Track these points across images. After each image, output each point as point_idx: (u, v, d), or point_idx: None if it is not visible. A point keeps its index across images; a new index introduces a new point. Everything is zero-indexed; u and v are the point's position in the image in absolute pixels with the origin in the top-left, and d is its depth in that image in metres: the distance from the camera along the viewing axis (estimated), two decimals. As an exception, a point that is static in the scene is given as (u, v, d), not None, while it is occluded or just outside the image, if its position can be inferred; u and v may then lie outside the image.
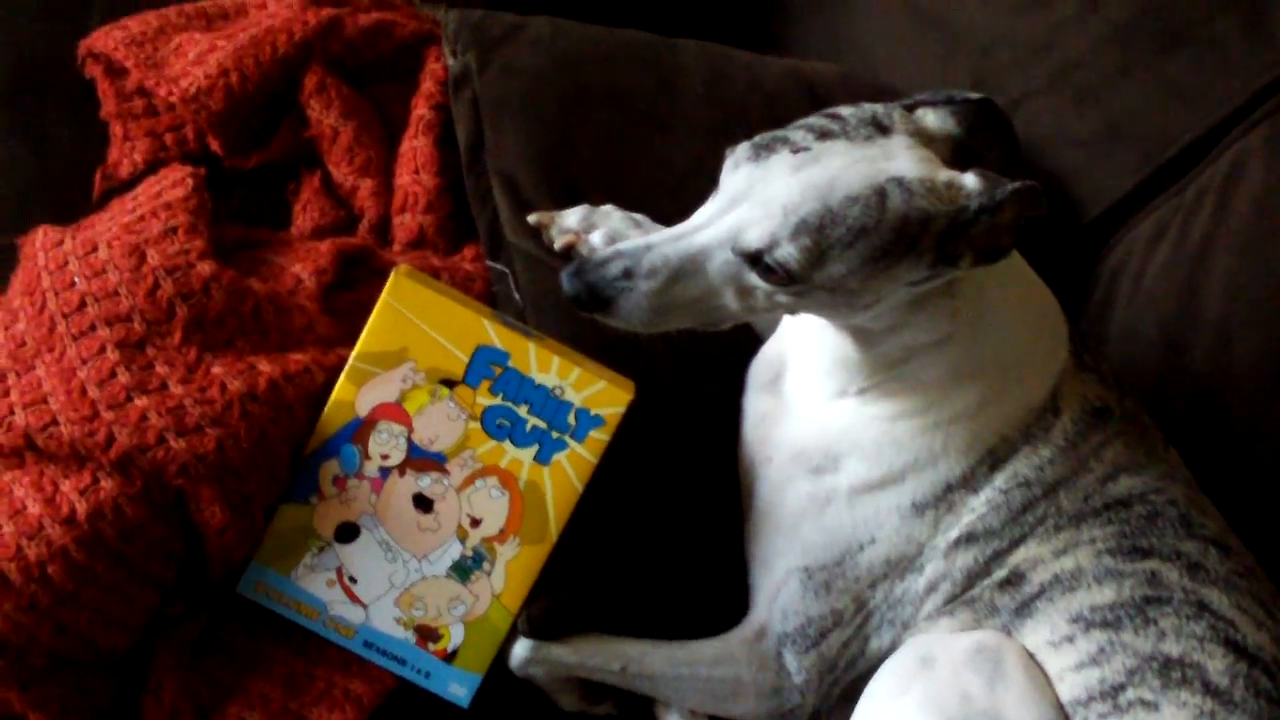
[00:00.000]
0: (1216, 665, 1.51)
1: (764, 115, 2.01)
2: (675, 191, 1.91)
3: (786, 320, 1.79)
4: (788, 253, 1.44)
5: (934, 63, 2.27)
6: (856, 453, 1.64)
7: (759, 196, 1.47)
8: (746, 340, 1.85)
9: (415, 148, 1.97)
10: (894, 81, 2.23)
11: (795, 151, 1.47)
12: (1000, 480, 1.62)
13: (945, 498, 1.62)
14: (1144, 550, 1.59)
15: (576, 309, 1.51)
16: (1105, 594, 1.57)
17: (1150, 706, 1.50)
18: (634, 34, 2.13)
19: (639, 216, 1.86)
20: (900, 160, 1.47)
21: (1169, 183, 1.98)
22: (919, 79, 2.22)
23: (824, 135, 1.48)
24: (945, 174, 1.47)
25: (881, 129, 1.49)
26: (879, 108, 1.52)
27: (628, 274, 1.48)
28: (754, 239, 1.46)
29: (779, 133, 1.50)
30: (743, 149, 1.51)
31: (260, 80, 1.95)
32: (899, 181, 1.45)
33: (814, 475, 1.65)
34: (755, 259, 1.46)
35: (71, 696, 1.59)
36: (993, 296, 1.59)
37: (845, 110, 1.52)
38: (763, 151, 1.48)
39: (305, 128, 2.01)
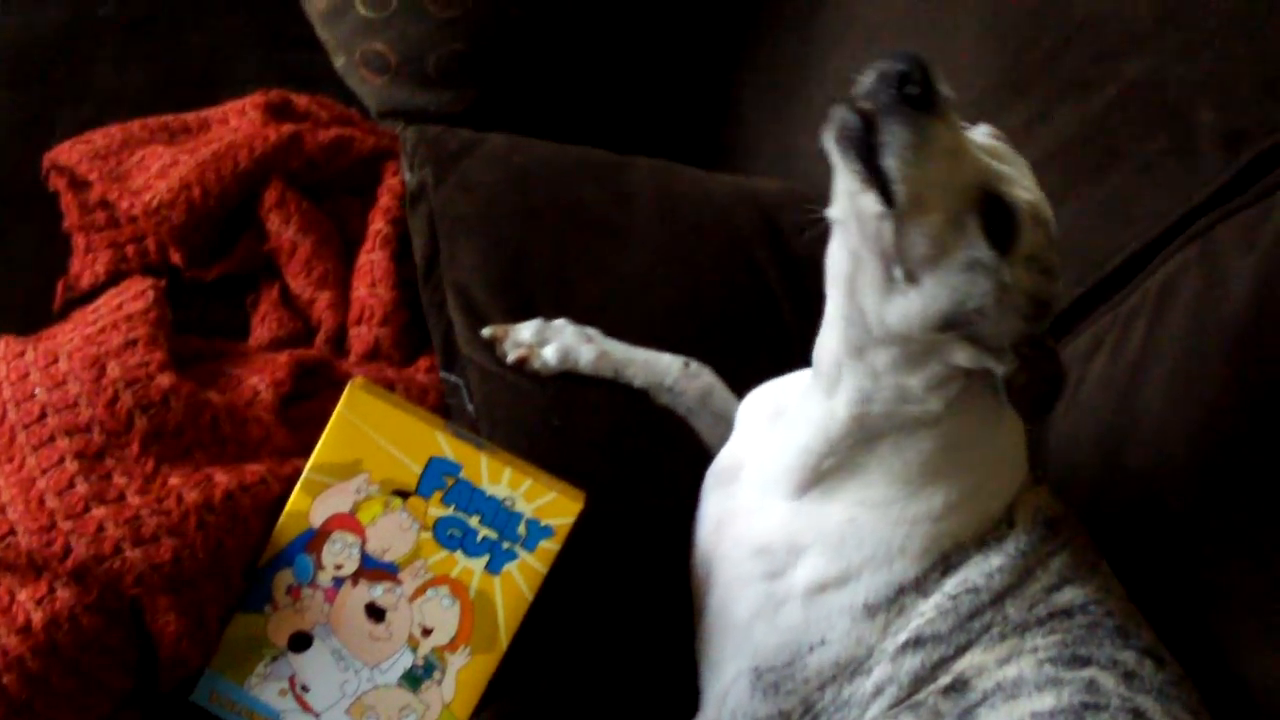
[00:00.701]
0: None
1: (714, 230, 2.08)
2: (627, 305, 1.96)
3: (744, 426, 1.82)
4: (1031, 237, 1.48)
5: None
6: (820, 545, 1.64)
7: (1022, 172, 1.52)
8: (696, 453, 1.88)
9: (372, 261, 2.01)
10: (840, 197, 2.29)
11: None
12: (950, 586, 1.63)
13: (897, 600, 1.63)
14: (1083, 659, 1.61)
15: (900, 91, 1.39)
16: (1045, 701, 1.58)
17: None
18: (587, 151, 2.18)
19: (591, 330, 1.89)
20: None
21: (1107, 296, 2.02)
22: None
23: None
24: None
25: None
26: None
27: (949, 103, 1.43)
28: (1016, 195, 1.48)
29: None
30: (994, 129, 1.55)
31: (221, 194, 2.00)
32: None
33: (770, 576, 1.66)
34: (995, 209, 1.47)
35: (25, 804, 1.59)
36: (979, 410, 1.61)
37: None
38: (1011, 144, 1.54)
39: (264, 241, 2.04)
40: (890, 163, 1.41)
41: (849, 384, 1.59)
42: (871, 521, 1.63)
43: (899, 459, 1.61)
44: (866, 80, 1.42)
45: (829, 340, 1.60)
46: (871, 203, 1.43)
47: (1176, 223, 1.95)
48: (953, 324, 1.49)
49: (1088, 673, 1.59)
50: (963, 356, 1.53)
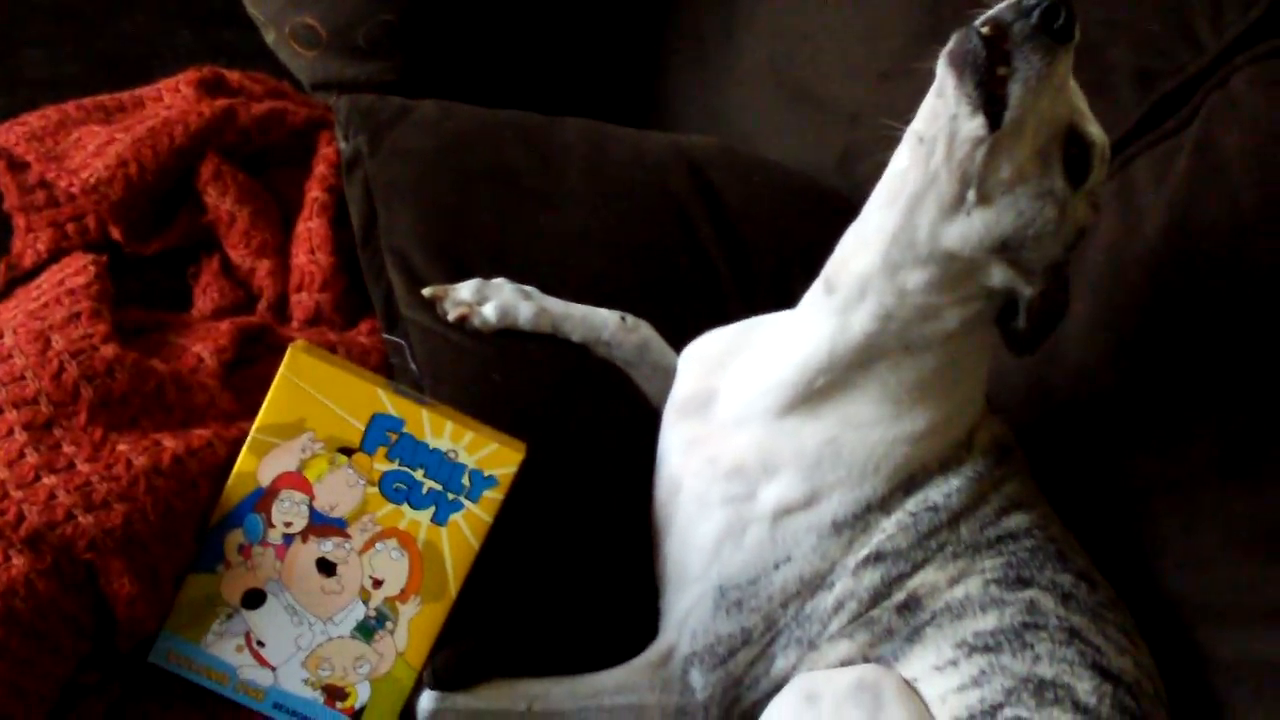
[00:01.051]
0: (1085, 686, 1.60)
1: (645, 188, 2.11)
2: (561, 262, 2.00)
3: (693, 367, 1.87)
4: (1098, 173, 1.57)
5: (806, 133, 2.38)
6: (795, 464, 1.69)
7: (1086, 107, 1.59)
8: (635, 402, 1.94)
9: (310, 229, 2.04)
10: (769, 151, 2.33)
11: None
12: (911, 504, 1.70)
13: (863, 517, 1.69)
14: (1026, 580, 1.67)
15: (1045, 23, 1.46)
16: (988, 621, 1.65)
17: None
18: (518, 114, 2.21)
19: (529, 288, 1.93)
20: None
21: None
22: (793, 149, 2.33)
23: None
24: None
25: None
26: None
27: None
28: (1095, 133, 1.57)
29: None
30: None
31: (158, 170, 2.02)
32: None
33: (739, 498, 1.71)
34: (1076, 144, 1.55)
35: (-13, 767, 1.61)
36: (984, 330, 1.69)
37: None
38: None
39: (203, 213, 2.07)
40: (1015, 89, 1.49)
41: (872, 301, 1.64)
42: (852, 441, 1.69)
43: (894, 378, 1.67)
44: (1003, 8, 1.49)
45: (859, 258, 1.65)
46: (977, 126, 1.50)
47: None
48: (1006, 247, 1.57)
49: (1029, 594, 1.66)
50: (1000, 277, 1.61)
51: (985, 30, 1.49)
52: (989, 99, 1.49)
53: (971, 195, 1.53)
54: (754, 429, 1.74)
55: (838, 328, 1.67)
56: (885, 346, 1.66)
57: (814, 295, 1.72)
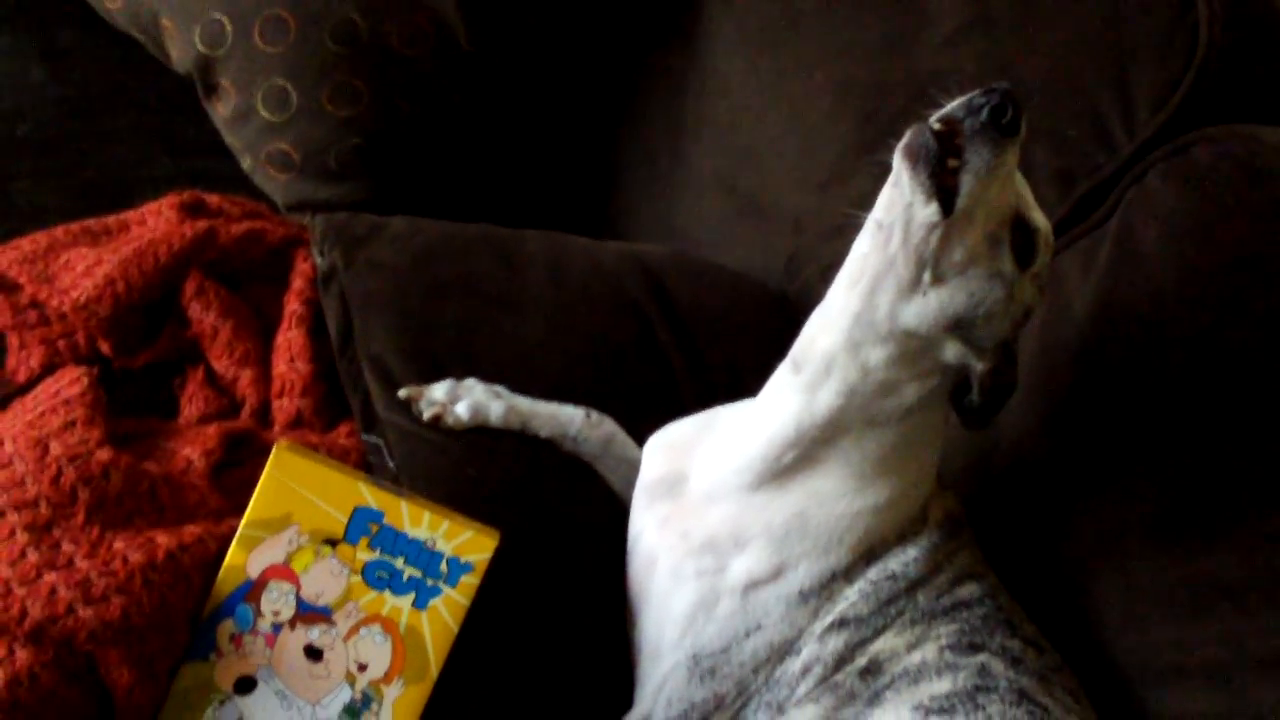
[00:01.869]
0: None
1: (603, 293, 2.20)
2: (528, 364, 2.08)
3: (663, 451, 1.95)
4: (1042, 258, 1.67)
5: (753, 240, 2.47)
6: (764, 537, 1.77)
7: (1030, 195, 1.69)
8: (601, 492, 2.03)
9: (289, 339, 2.11)
10: (719, 258, 2.44)
11: None
12: (873, 573, 1.78)
13: (828, 586, 1.77)
14: (978, 646, 1.75)
15: (994, 119, 1.57)
16: (943, 684, 1.72)
17: None
18: (483, 227, 2.30)
19: (499, 388, 2.01)
20: None
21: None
22: (741, 255, 2.43)
23: None
24: None
25: None
26: None
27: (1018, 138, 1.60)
28: (1040, 222, 1.67)
29: None
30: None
31: (144, 287, 2.08)
32: None
33: (711, 571, 1.78)
34: (1023, 233, 1.65)
35: None
36: (939, 406, 1.78)
37: None
38: None
39: (187, 327, 2.14)
40: (966, 179, 1.60)
41: (837, 378, 1.74)
42: (818, 515, 1.77)
43: (858, 453, 1.76)
44: (955, 106, 1.61)
45: (825, 338, 1.74)
46: (931, 213, 1.61)
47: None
48: (959, 325, 1.67)
49: (980, 658, 1.74)
50: (954, 353, 1.71)
51: (937, 126, 1.61)
52: (941, 189, 1.60)
53: (927, 276, 1.63)
54: (726, 504, 1.83)
55: (804, 405, 1.76)
56: (849, 422, 1.75)
57: (781, 376, 1.81)
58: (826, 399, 1.75)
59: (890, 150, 1.64)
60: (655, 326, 2.22)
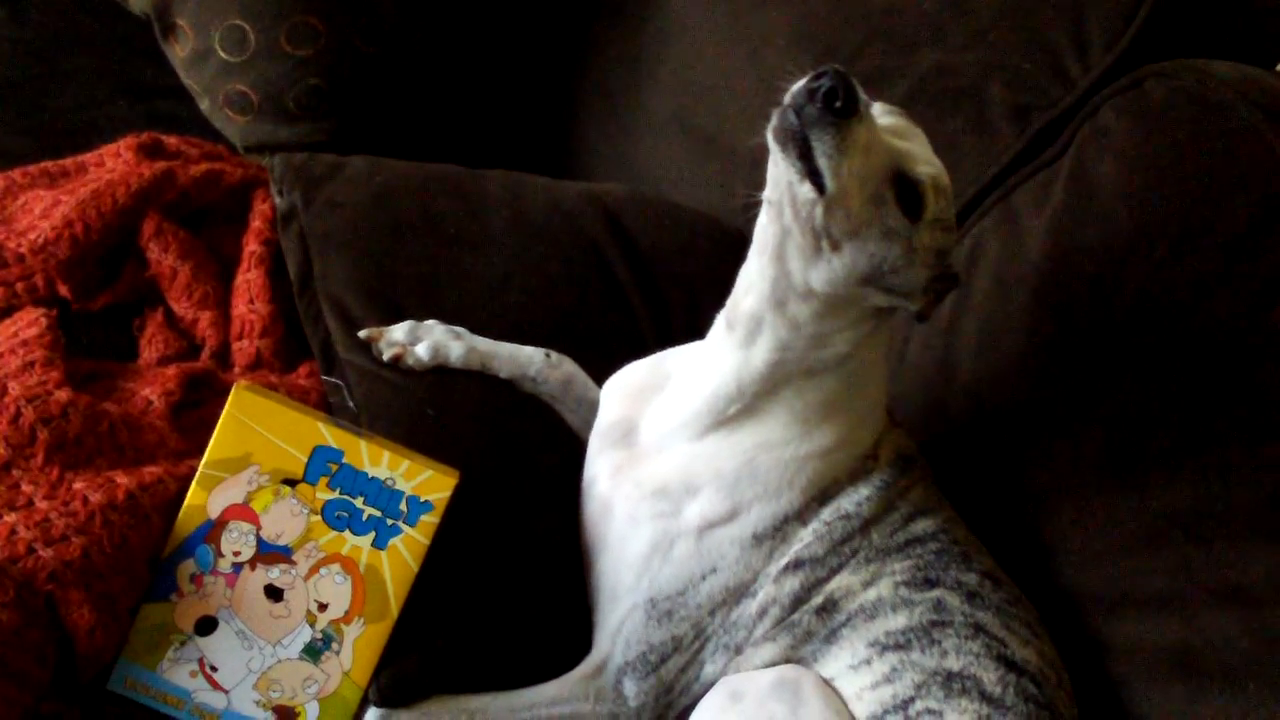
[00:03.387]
0: (991, 677, 1.69)
1: (563, 233, 2.21)
2: (488, 304, 2.09)
3: (615, 397, 1.96)
4: (934, 205, 1.66)
5: (711, 179, 2.48)
6: (715, 483, 1.79)
7: (920, 144, 1.70)
8: (560, 433, 2.03)
9: (249, 280, 2.12)
10: (678, 197, 2.44)
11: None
12: (826, 514, 1.79)
13: (781, 529, 1.78)
14: (932, 581, 1.77)
15: (827, 105, 1.56)
16: (899, 620, 1.75)
17: (936, 715, 1.67)
18: (443, 167, 2.30)
19: (459, 329, 2.01)
20: None
21: (922, 266, 2.20)
22: (699, 194, 2.44)
23: None
24: None
25: None
26: None
27: (868, 107, 1.62)
28: (922, 171, 1.66)
29: None
30: (893, 107, 1.73)
31: (102, 229, 2.09)
32: None
33: (666, 515, 1.80)
34: (907, 187, 1.65)
35: (-50, 796, 1.64)
36: (877, 346, 1.80)
37: None
38: (910, 118, 1.72)
39: (146, 269, 2.14)
40: (822, 162, 1.59)
41: (769, 335, 1.76)
42: (766, 461, 1.79)
43: (800, 401, 1.78)
44: (795, 93, 1.60)
45: (749, 299, 1.76)
46: (806, 191, 1.61)
47: (979, 192, 2.16)
48: (870, 280, 1.68)
49: (936, 593, 1.77)
50: (880, 299, 1.72)
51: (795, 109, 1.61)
52: (812, 169, 1.60)
53: (825, 244, 1.65)
54: (674, 454, 1.84)
55: (741, 361, 1.78)
56: (788, 373, 1.77)
57: (717, 331, 1.83)
58: (761, 354, 1.77)
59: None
60: (615, 266, 2.23)
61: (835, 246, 1.65)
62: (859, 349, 1.77)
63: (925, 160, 1.69)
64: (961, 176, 2.16)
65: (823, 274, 1.68)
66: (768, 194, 1.69)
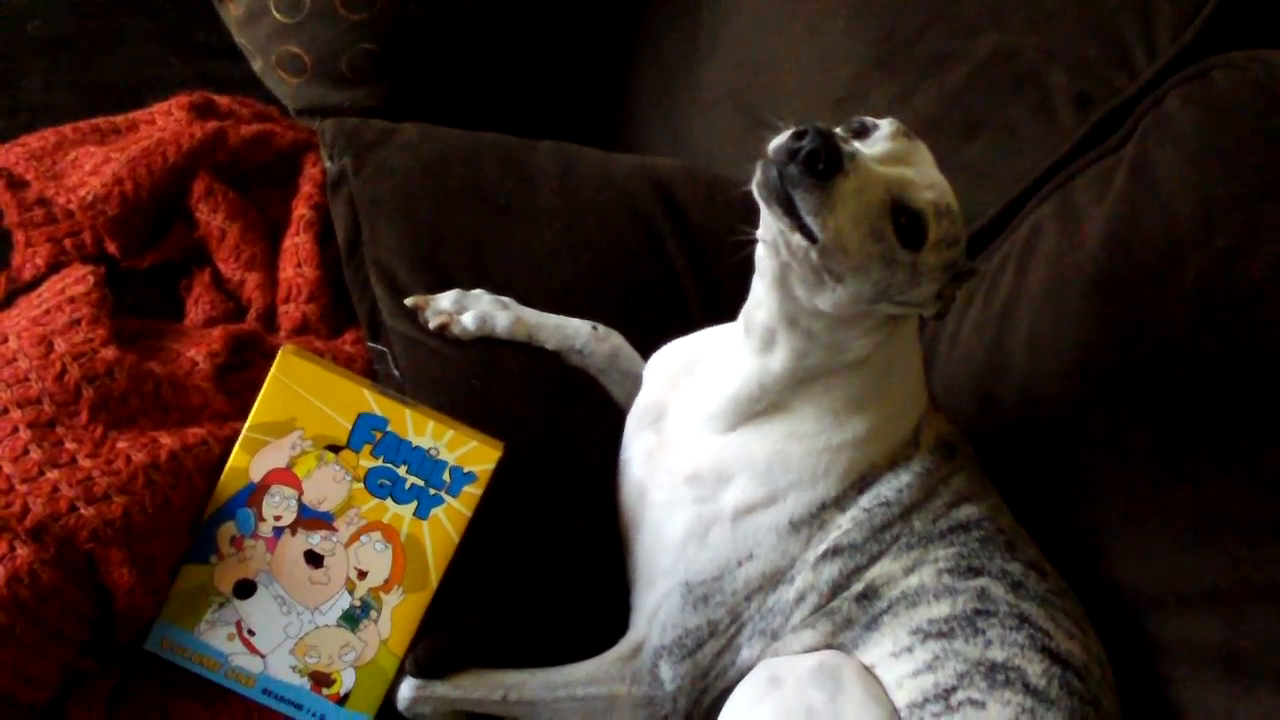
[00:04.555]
0: (1035, 669, 1.68)
1: (614, 206, 2.19)
2: (536, 275, 2.07)
3: (656, 377, 1.95)
4: (937, 229, 1.62)
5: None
6: (748, 472, 1.78)
7: (922, 168, 1.65)
8: (605, 407, 2.01)
9: (297, 244, 2.12)
10: (730, 173, 2.42)
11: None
12: (866, 500, 1.78)
13: (819, 515, 1.77)
14: (977, 569, 1.76)
15: (808, 168, 1.52)
16: (942, 608, 1.73)
17: (978, 705, 1.66)
18: (495, 136, 2.27)
19: (506, 299, 2.00)
20: None
21: (976, 253, 2.17)
22: (754, 170, 2.42)
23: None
24: None
25: None
26: None
27: (854, 158, 1.56)
28: (922, 200, 1.61)
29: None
30: (895, 124, 1.68)
31: (152, 188, 2.09)
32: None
33: (701, 500, 1.79)
34: (906, 215, 1.60)
35: (-9, 751, 1.66)
36: (903, 338, 1.77)
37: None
38: (910, 136, 1.67)
39: (194, 229, 2.14)
40: (808, 219, 1.56)
41: (785, 344, 1.74)
42: (799, 451, 1.77)
43: (827, 396, 1.76)
44: (778, 150, 1.56)
45: (761, 313, 1.74)
46: (799, 240, 1.58)
47: (1038, 179, 2.13)
48: (879, 300, 1.66)
49: (980, 582, 1.75)
50: (892, 309, 1.70)
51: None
52: (800, 223, 1.57)
53: (826, 278, 1.62)
54: (703, 443, 1.83)
55: (761, 366, 1.76)
56: (811, 375, 1.76)
57: (738, 332, 1.80)
58: (780, 361, 1.75)
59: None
60: (665, 240, 2.21)
61: (838, 279, 1.62)
62: (881, 348, 1.75)
63: (926, 185, 1.64)
64: (1020, 164, 2.15)
65: (828, 300, 1.66)
66: (761, 233, 1.67)
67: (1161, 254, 1.90)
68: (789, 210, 1.56)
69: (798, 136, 1.54)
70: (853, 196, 1.55)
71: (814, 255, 1.59)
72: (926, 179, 1.64)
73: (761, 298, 1.73)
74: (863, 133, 1.67)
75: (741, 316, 1.79)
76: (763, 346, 1.76)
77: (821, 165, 1.53)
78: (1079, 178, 2.05)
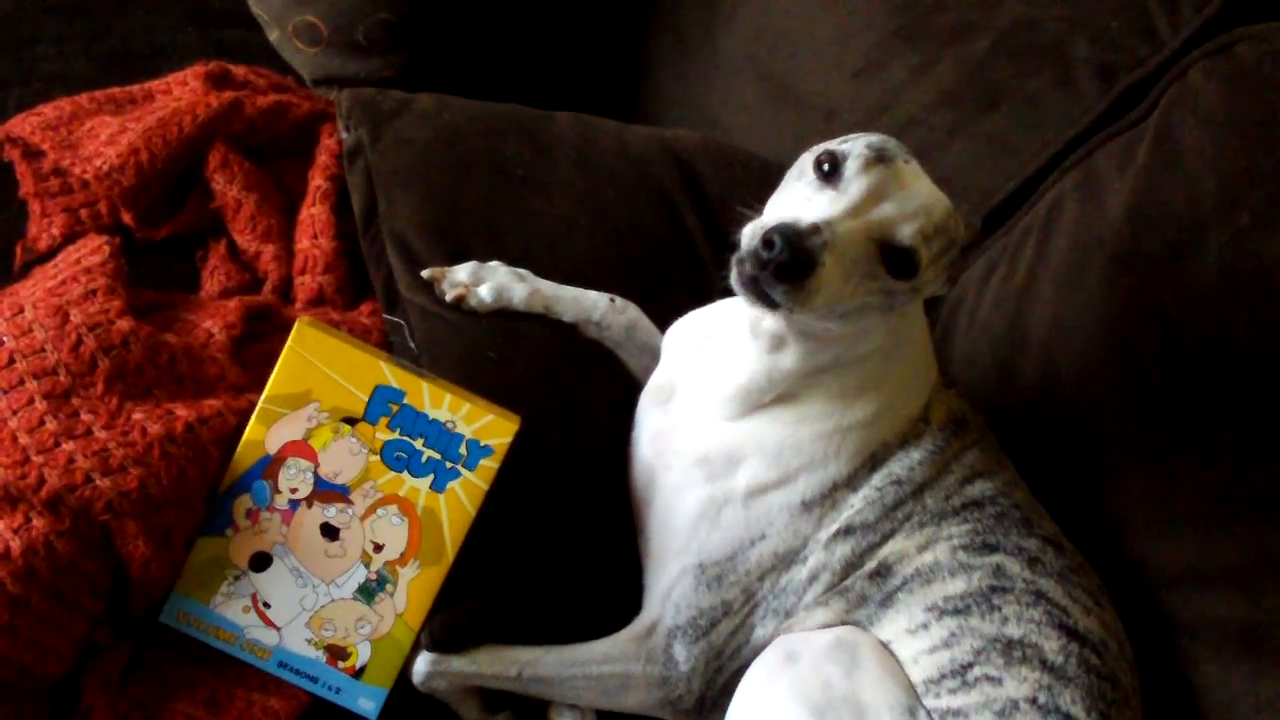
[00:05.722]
0: (1052, 645, 1.67)
1: (632, 178, 2.18)
2: (553, 247, 2.06)
3: (671, 352, 1.94)
4: (929, 252, 1.60)
5: (784, 127, 2.44)
6: (758, 454, 1.77)
7: (902, 194, 1.60)
8: (622, 380, 2.01)
9: (313, 215, 2.11)
10: (748, 145, 2.41)
11: (905, 161, 1.62)
12: (877, 479, 1.77)
13: (830, 495, 1.77)
14: (992, 546, 1.75)
15: (778, 277, 1.51)
16: (957, 585, 1.73)
17: (995, 681, 1.65)
18: (512, 107, 2.27)
19: (523, 271, 2.00)
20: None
21: (997, 226, 2.16)
22: (771, 142, 2.40)
23: (906, 159, 1.64)
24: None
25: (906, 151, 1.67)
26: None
27: (825, 245, 1.52)
28: (906, 236, 1.58)
29: (884, 143, 1.63)
30: (865, 151, 1.60)
31: (168, 158, 2.08)
32: (950, 204, 1.65)
33: (712, 480, 1.78)
34: (895, 252, 1.59)
35: (8, 722, 1.66)
36: (909, 315, 1.76)
37: (890, 141, 1.67)
38: (885, 157, 1.60)
39: (210, 200, 2.13)
40: (788, 307, 1.55)
41: (796, 347, 1.73)
42: (808, 435, 1.77)
43: (838, 383, 1.75)
44: (750, 250, 1.54)
45: (769, 322, 1.72)
46: (787, 314, 1.59)
47: (1059, 152, 2.11)
48: (887, 311, 1.67)
49: (995, 558, 1.74)
50: (901, 302, 1.68)
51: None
52: (787, 309, 1.57)
53: (829, 323, 1.64)
54: (712, 429, 1.82)
55: (771, 363, 1.76)
56: (822, 369, 1.75)
57: (745, 328, 1.78)
58: (790, 360, 1.75)
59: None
60: (683, 212, 2.20)
61: (840, 318, 1.63)
62: (893, 332, 1.74)
63: (909, 216, 1.60)
64: (1042, 135, 2.13)
65: (835, 325, 1.66)
66: (743, 307, 1.67)
67: (1184, 228, 1.88)
68: (771, 304, 1.56)
69: (767, 244, 1.52)
70: (834, 268, 1.54)
71: (801, 320, 1.63)
72: (908, 208, 1.60)
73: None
74: (834, 171, 1.61)
75: (748, 323, 1.77)
76: (772, 348, 1.75)
77: (793, 271, 1.52)
78: (1101, 150, 2.03)
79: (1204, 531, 1.83)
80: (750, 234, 1.56)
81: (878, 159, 1.60)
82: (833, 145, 1.63)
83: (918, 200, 1.60)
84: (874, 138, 1.65)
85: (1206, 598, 1.82)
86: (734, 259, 1.57)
